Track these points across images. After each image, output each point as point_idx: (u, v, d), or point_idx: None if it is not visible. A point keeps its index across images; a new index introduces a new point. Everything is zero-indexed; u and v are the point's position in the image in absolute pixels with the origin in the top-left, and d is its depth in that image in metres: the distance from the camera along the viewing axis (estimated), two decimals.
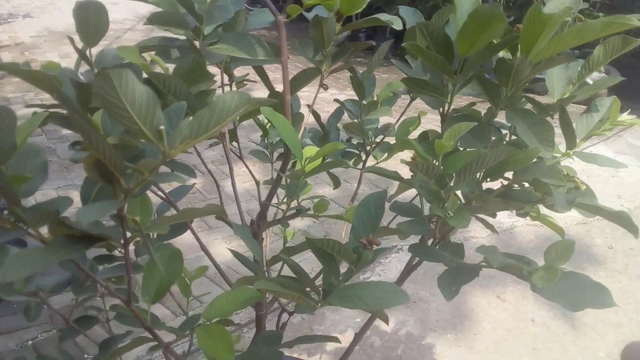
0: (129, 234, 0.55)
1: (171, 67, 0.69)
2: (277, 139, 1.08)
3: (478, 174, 0.59)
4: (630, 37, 0.65)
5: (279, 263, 0.91)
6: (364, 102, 0.99)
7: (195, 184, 0.88)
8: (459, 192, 0.67)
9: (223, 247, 2.15)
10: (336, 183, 1.08)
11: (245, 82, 0.97)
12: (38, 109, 0.67)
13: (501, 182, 0.72)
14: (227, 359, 0.59)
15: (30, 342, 1.68)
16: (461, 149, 0.68)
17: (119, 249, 1.03)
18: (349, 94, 4.42)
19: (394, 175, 0.68)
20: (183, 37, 0.74)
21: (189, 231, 0.78)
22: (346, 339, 1.69)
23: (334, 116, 1.07)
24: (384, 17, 0.74)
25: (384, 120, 1.04)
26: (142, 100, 0.41)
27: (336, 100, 1.02)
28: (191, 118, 0.43)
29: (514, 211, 0.69)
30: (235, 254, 0.72)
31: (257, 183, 1.01)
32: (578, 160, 0.70)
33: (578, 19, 0.65)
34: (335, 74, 0.90)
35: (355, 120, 0.99)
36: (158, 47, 0.73)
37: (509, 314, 1.82)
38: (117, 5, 6.84)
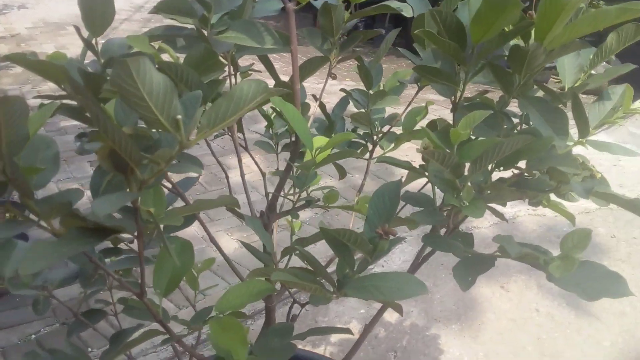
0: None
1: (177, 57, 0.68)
2: (282, 130, 1.07)
3: (490, 164, 0.58)
4: None
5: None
6: (371, 91, 0.98)
7: (200, 175, 0.87)
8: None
9: (226, 239, 2.15)
10: (342, 174, 1.08)
11: (249, 72, 0.96)
12: (44, 101, 0.66)
13: (512, 171, 0.72)
14: (241, 351, 0.59)
15: (33, 336, 1.68)
16: (473, 137, 0.67)
17: (125, 242, 1.02)
18: (348, 84, 4.41)
19: (406, 165, 0.68)
20: (189, 26, 0.73)
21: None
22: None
23: (339, 106, 1.06)
24: (394, 4, 0.73)
25: (389, 110, 1.03)
26: (160, 89, 0.40)
27: (343, 90, 1.01)
28: (207, 107, 0.43)
29: (517, 201, 0.69)
30: (246, 245, 0.71)
31: (263, 174, 1.00)
32: (579, 148, 0.70)
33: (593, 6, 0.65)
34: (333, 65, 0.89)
35: (362, 110, 0.98)
36: (165, 36, 0.72)
37: (513, 304, 1.82)
38: None
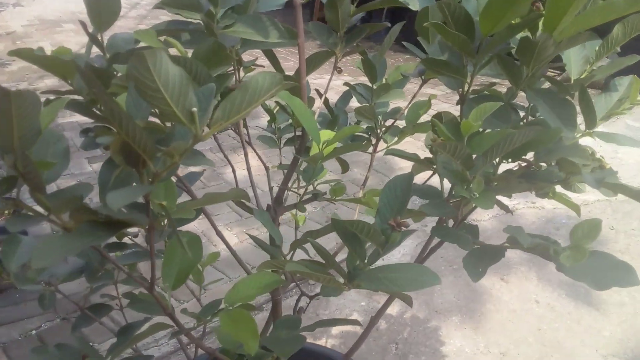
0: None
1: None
2: (284, 124, 1.07)
3: (501, 155, 0.59)
4: None
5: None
6: (374, 86, 0.98)
7: (205, 170, 0.87)
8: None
9: (225, 234, 2.15)
10: (345, 168, 1.08)
11: (252, 67, 0.95)
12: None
13: (519, 163, 0.72)
14: (252, 343, 0.59)
15: (34, 331, 1.68)
16: (480, 130, 0.67)
17: (130, 236, 1.02)
18: (346, 79, 4.41)
19: (414, 157, 0.68)
20: (194, 21, 0.73)
21: None
22: None
23: (342, 100, 1.06)
24: None
25: (391, 104, 1.04)
26: (175, 81, 0.40)
27: (346, 83, 1.01)
28: (219, 100, 0.43)
29: (516, 194, 0.69)
30: (254, 238, 0.71)
31: (267, 169, 1.00)
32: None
33: None
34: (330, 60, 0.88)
35: (367, 104, 0.98)
36: (171, 31, 0.72)
37: (513, 295, 1.83)
38: None
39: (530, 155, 0.69)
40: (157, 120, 0.57)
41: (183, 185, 0.77)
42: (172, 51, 0.66)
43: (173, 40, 0.58)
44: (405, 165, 2.82)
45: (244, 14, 0.75)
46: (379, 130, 1.03)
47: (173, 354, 1.60)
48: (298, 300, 0.83)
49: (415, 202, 2.05)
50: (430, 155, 0.76)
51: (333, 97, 1.01)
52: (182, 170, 1.00)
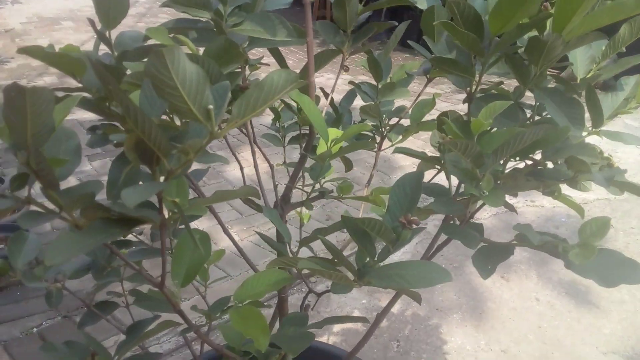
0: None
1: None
2: (289, 122, 1.07)
3: (511, 154, 0.59)
4: None
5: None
6: (379, 84, 0.98)
7: (209, 167, 0.88)
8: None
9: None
10: (349, 166, 1.08)
11: (258, 65, 0.96)
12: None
13: (525, 161, 0.72)
14: (262, 340, 0.59)
15: (35, 329, 1.67)
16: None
17: (134, 234, 1.02)
18: (346, 78, 4.40)
19: (422, 155, 0.68)
20: (201, 19, 0.73)
21: None
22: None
23: (347, 99, 1.07)
24: None
25: (396, 102, 1.04)
26: (193, 79, 0.40)
27: (351, 82, 1.01)
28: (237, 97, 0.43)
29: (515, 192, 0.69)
30: (262, 235, 0.72)
31: (272, 167, 1.00)
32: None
33: None
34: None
35: (371, 103, 0.98)
36: (180, 29, 0.72)
37: (514, 293, 1.84)
38: None
39: (536, 154, 0.69)
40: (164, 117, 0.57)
41: (191, 182, 0.77)
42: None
43: (184, 38, 0.58)
44: (405, 164, 2.83)
45: (252, 12, 0.75)
46: (382, 129, 1.03)
47: (175, 352, 1.60)
48: (305, 298, 0.83)
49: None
50: (435, 154, 0.76)
51: (334, 96, 1.01)
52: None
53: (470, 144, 0.52)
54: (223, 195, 0.56)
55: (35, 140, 0.47)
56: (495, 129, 0.64)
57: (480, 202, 0.71)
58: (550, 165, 0.71)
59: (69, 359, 0.68)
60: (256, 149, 0.86)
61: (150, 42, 0.74)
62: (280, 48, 0.85)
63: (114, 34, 0.73)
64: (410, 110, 0.99)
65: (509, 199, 2.44)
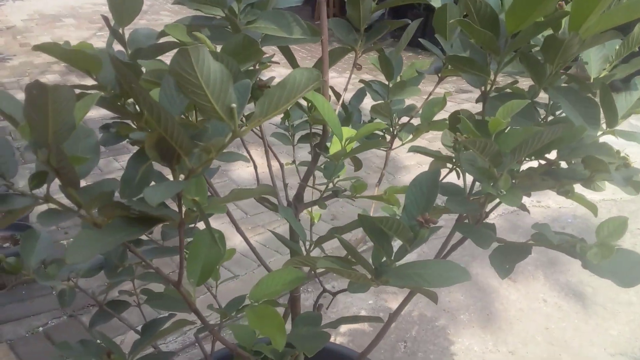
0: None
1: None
2: (298, 121, 1.07)
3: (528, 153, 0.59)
4: None
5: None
6: (390, 83, 0.98)
7: (219, 166, 0.87)
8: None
9: (231, 232, 2.15)
10: (358, 165, 1.08)
11: (269, 63, 0.96)
12: None
13: (539, 161, 0.72)
14: (279, 339, 0.59)
15: (41, 328, 1.68)
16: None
17: (146, 233, 1.02)
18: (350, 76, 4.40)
19: (436, 154, 0.68)
20: (216, 16, 0.73)
21: None
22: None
23: (356, 97, 1.07)
24: None
25: (406, 101, 1.04)
26: (217, 77, 0.40)
27: (362, 81, 1.01)
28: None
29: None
30: (276, 235, 0.72)
31: (282, 166, 1.00)
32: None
33: None
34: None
35: (382, 101, 0.98)
36: (194, 26, 0.72)
37: (521, 294, 1.84)
38: None
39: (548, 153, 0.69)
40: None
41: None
42: None
43: (202, 36, 0.58)
44: (410, 164, 2.83)
45: (264, 9, 0.75)
46: (392, 129, 1.03)
47: (181, 352, 1.60)
48: (318, 297, 0.83)
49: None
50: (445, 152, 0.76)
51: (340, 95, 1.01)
52: None
53: (489, 142, 0.52)
54: (240, 193, 0.56)
55: (56, 138, 0.47)
56: (508, 128, 0.64)
57: (493, 203, 0.71)
58: (563, 164, 0.71)
59: (84, 358, 0.68)
60: (243, 151, 0.86)
61: (163, 39, 0.74)
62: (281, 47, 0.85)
63: (133, 30, 0.73)
64: (420, 110, 0.99)
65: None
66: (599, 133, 0.69)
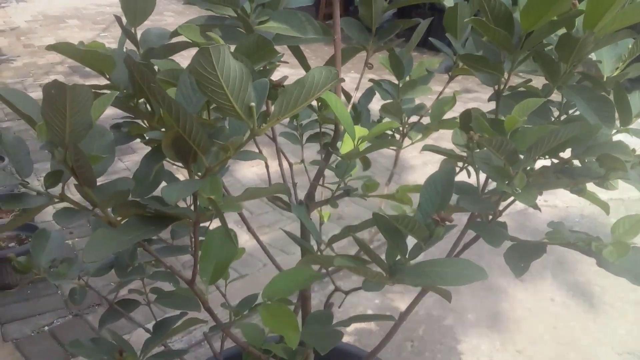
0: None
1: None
2: (307, 121, 1.07)
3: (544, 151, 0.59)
4: None
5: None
6: (400, 82, 0.98)
7: (229, 166, 0.87)
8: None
9: (237, 230, 2.15)
10: (367, 164, 1.08)
11: (278, 63, 0.95)
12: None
13: (551, 159, 0.72)
14: (293, 337, 0.59)
15: (46, 327, 1.68)
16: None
17: None
18: (353, 76, 4.40)
19: (450, 153, 0.68)
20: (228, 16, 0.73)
21: None
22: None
23: (365, 97, 1.06)
24: None
25: (415, 100, 1.03)
26: (236, 77, 0.40)
27: (371, 80, 1.01)
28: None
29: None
30: (289, 234, 0.72)
31: (291, 165, 1.00)
32: None
33: None
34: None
35: (391, 100, 0.98)
36: (206, 27, 0.72)
37: (528, 293, 1.83)
38: None
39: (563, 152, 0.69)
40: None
41: None
42: None
43: (215, 36, 0.58)
44: (416, 164, 2.82)
45: (276, 9, 0.75)
46: (402, 128, 1.03)
47: (188, 351, 1.60)
48: (330, 296, 0.83)
49: None
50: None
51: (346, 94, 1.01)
52: None
53: (505, 141, 0.52)
54: (253, 193, 0.56)
55: (73, 137, 0.48)
56: (522, 127, 0.64)
57: (506, 202, 0.71)
58: (576, 163, 0.70)
59: (96, 356, 0.68)
60: (267, 147, 0.86)
61: (175, 39, 0.74)
62: (280, 47, 0.84)
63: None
64: (430, 109, 0.98)
65: None
66: (613, 131, 0.69)
